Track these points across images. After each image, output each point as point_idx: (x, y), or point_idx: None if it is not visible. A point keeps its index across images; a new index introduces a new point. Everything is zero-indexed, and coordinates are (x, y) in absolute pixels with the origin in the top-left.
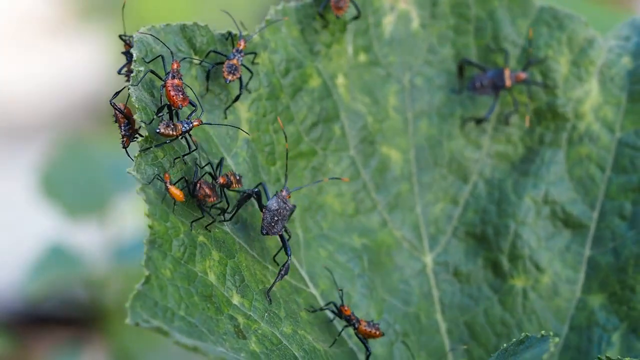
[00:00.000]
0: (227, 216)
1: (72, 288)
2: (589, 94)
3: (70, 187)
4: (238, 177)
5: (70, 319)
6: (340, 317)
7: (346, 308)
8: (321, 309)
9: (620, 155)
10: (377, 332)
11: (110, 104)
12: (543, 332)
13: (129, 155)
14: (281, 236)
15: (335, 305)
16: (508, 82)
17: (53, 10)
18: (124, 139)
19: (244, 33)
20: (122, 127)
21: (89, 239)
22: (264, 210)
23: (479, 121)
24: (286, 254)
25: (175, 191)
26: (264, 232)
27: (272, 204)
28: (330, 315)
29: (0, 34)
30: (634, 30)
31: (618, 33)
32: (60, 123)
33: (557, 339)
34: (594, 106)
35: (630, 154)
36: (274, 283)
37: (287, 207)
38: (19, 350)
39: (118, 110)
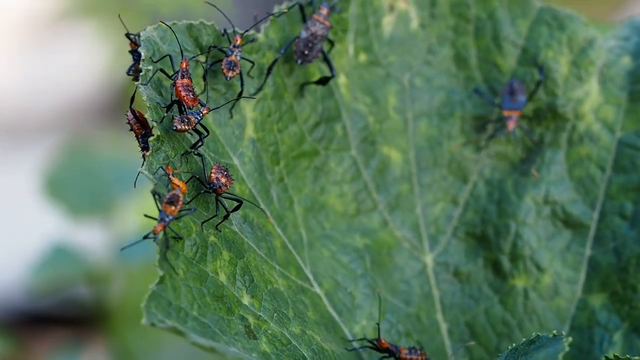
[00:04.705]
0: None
1: (73, 287)
2: (589, 94)
3: (74, 188)
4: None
5: (71, 318)
6: (379, 351)
7: (383, 341)
8: (361, 347)
9: (621, 155)
10: (421, 359)
11: (130, 110)
12: (555, 331)
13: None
14: (323, 53)
15: (369, 340)
16: (506, 112)
17: (52, 8)
18: (144, 152)
19: (251, 32)
20: (140, 139)
21: (92, 239)
22: (297, 39)
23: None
24: (331, 72)
25: (178, 182)
26: (299, 61)
27: (304, 31)
28: (338, 317)
29: (0, 34)
30: (634, 31)
31: (618, 33)
32: (63, 123)
33: (570, 339)
34: (594, 106)
35: (631, 154)
36: (308, 83)
37: (325, 27)
38: (20, 350)
39: (135, 119)
